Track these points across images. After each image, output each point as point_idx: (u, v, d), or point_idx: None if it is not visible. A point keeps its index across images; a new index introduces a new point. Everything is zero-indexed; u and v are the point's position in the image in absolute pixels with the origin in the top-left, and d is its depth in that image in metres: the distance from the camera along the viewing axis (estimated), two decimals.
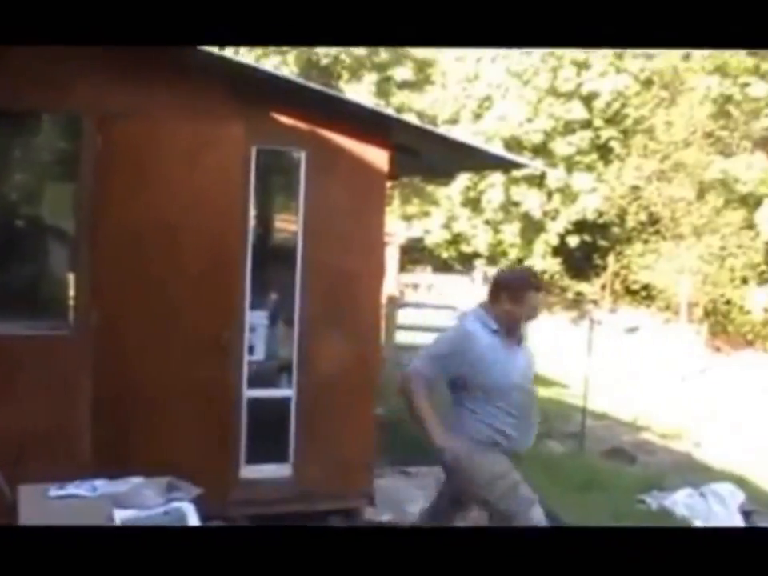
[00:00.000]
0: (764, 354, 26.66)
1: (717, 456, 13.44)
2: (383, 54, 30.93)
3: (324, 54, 30.43)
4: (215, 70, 6.39)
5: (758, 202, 28.13)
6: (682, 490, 8.95)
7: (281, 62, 29.32)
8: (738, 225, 28.37)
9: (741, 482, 10.16)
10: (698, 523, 8.12)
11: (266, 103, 6.69)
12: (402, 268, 21.91)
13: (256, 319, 7.12)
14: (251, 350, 7.02)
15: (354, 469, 7.23)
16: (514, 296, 5.01)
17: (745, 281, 28.62)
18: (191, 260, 6.33)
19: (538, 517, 5.04)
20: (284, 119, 6.75)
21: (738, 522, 8.35)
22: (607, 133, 30.42)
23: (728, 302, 28.52)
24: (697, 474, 10.78)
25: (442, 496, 5.47)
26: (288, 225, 7.89)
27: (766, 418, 17.96)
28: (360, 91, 29.35)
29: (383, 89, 31.50)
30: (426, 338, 15.81)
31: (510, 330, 5.09)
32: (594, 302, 29.41)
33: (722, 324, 28.90)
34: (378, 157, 7.06)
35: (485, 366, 4.94)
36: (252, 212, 6.87)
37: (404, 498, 7.87)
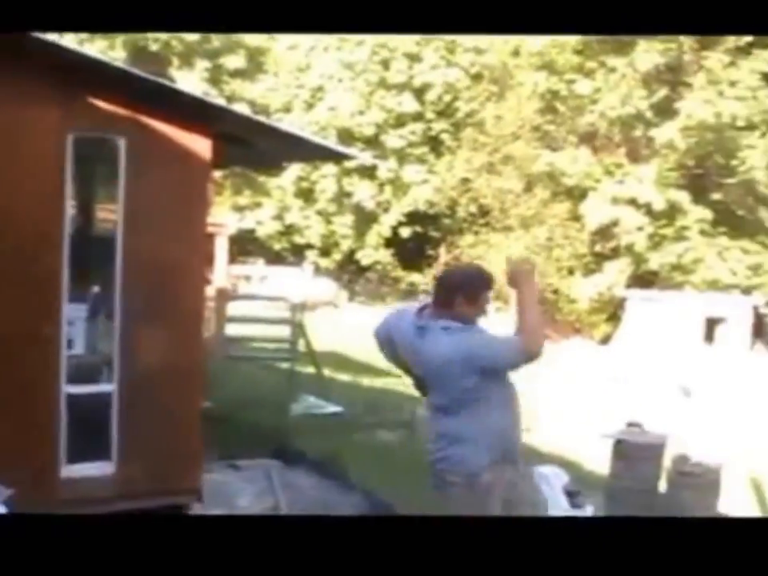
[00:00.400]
0: (590, 342, 27.55)
1: (545, 440, 13.81)
2: (215, 41, 30.53)
3: (154, 39, 29.78)
4: (31, 54, 6.11)
5: (583, 195, 29.03)
6: None
7: (108, 47, 28.56)
8: (564, 216, 29.24)
9: (566, 465, 10.44)
10: None
11: (86, 89, 6.44)
12: (234, 260, 21.70)
13: (75, 312, 6.85)
14: (70, 344, 6.75)
15: (180, 464, 7.06)
16: (469, 297, 4.76)
17: (571, 271, 29.52)
18: (4, 251, 6.06)
19: None
20: (105, 105, 6.52)
21: (563, 502, 8.57)
22: (438, 125, 30.88)
23: (555, 292, 29.35)
24: (526, 457, 10.98)
25: None
26: (110, 215, 7.64)
27: (592, 403, 18.55)
28: (192, 78, 28.88)
29: (215, 77, 31.09)
30: (257, 330, 15.75)
31: None
32: (427, 293, 29.77)
33: (550, 313, 29.69)
34: (201, 145, 6.90)
35: None
36: (70, 201, 6.62)
37: (233, 492, 7.76)
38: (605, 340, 28.62)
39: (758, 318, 27.41)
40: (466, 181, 29.92)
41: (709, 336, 25.80)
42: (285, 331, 14.40)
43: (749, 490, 13.07)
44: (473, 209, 30.18)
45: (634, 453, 6.37)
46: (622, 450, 6.42)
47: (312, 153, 10.41)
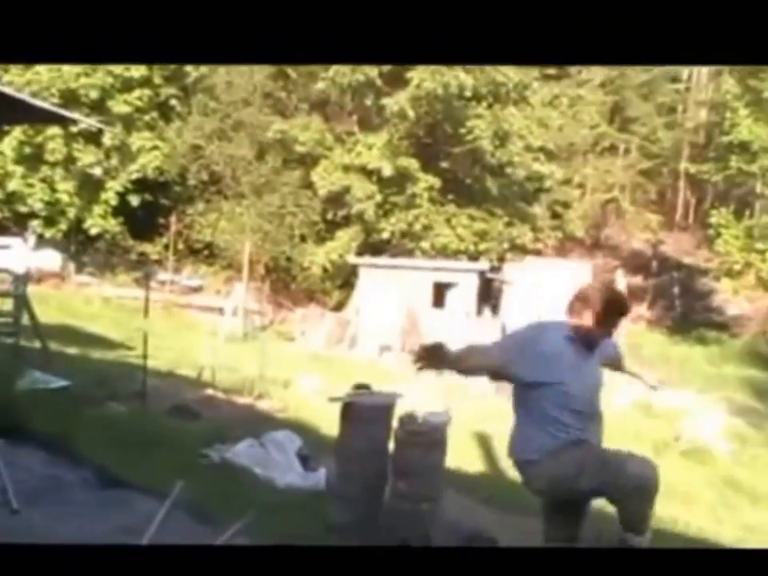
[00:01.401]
0: (324, 309, 27.96)
1: (278, 405, 13.98)
2: None
3: None
4: None
5: (315, 162, 29.28)
6: (243, 441, 9.14)
7: None
8: (296, 184, 29.41)
9: (299, 429, 10.59)
10: (258, 471, 8.33)
11: None
12: None
13: None
14: None
15: None
16: (598, 316, 4.83)
17: (304, 239, 29.75)
18: None
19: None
20: None
21: (296, 466, 8.68)
22: (167, 91, 30.14)
23: (289, 260, 29.52)
24: (259, 424, 11.07)
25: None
26: None
27: (328, 367, 18.91)
28: None
29: None
30: None
31: (585, 342, 4.92)
32: (158, 263, 29.24)
33: (283, 281, 29.89)
34: None
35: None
36: None
37: None
38: (338, 307, 29.11)
39: (485, 283, 28.71)
40: (196, 147, 29.52)
41: (438, 301, 26.76)
42: (7, 305, 13.81)
43: (474, 445, 13.73)
44: (204, 176, 29.83)
45: (363, 414, 6.49)
46: (351, 411, 6.52)
47: (33, 115, 9.96)
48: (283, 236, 29.11)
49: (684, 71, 42.86)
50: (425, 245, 29.50)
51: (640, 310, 35.39)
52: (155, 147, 29.10)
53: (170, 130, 29.79)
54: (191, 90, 30.33)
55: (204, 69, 29.61)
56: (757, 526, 11.30)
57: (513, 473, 12.07)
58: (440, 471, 6.50)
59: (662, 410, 21.10)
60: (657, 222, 40.78)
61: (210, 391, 13.85)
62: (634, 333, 31.39)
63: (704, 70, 42.73)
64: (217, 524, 6.07)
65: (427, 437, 6.20)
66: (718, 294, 36.46)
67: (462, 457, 11.71)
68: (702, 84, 44.26)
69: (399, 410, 6.60)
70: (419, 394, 15.89)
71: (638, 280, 36.92)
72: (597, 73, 38.81)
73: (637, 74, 39.99)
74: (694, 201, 43.55)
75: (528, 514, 8.52)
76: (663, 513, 10.88)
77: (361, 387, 6.84)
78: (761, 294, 35.80)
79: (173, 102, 30.25)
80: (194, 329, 21.19)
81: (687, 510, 11.48)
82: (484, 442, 13.82)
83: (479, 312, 27.81)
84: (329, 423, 9.76)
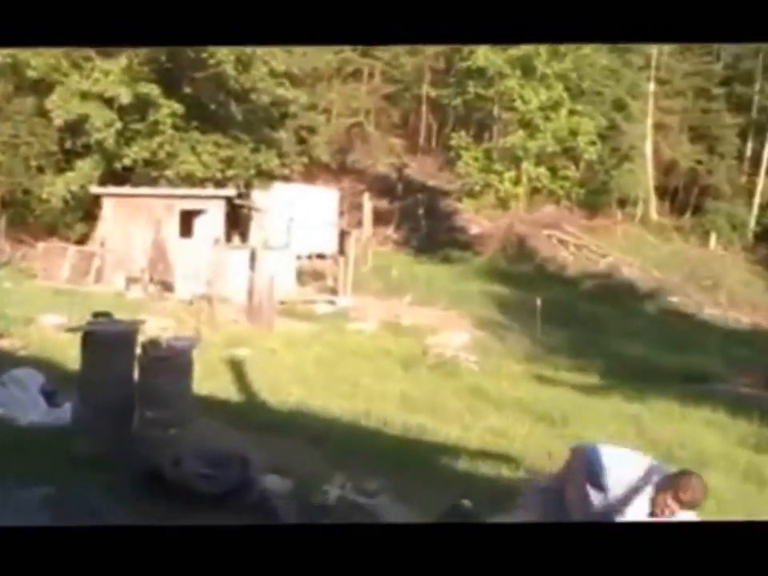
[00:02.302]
0: (65, 243, 27.02)
1: (19, 343, 13.51)
2: None
3: None
4: None
5: (49, 89, 27.91)
6: None
7: None
8: (30, 112, 28.05)
9: (43, 365, 10.25)
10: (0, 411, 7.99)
11: None
12: None
13: None
14: None
15: None
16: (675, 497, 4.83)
17: (41, 169, 28.49)
18: None
19: None
20: None
21: (41, 403, 8.37)
22: None
23: (26, 192, 28.22)
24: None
25: None
26: None
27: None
28: None
29: None
30: None
31: None
32: None
33: (21, 215, 28.58)
34: None
35: None
36: None
37: None
38: (82, 240, 28.17)
39: (233, 210, 28.51)
40: None
41: (186, 230, 26.38)
42: None
43: (226, 370, 13.72)
44: None
45: (103, 342, 6.29)
46: (91, 341, 6.31)
47: None
48: (18, 167, 27.77)
49: None
50: (170, 173, 28.86)
51: (387, 232, 36.16)
52: None
53: None
54: None
55: None
56: (501, 429, 11.84)
57: (263, 395, 12.21)
58: (188, 396, 6.43)
59: (409, 328, 21.75)
60: (401, 146, 41.64)
61: None
62: (381, 255, 32.13)
63: None
64: None
65: (172, 362, 6.10)
66: (461, 215, 37.74)
67: (213, 381, 11.69)
68: None
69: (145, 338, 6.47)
70: (167, 324, 15.69)
71: (384, 203, 37.64)
72: None
73: None
74: (436, 125, 44.64)
75: (277, 433, 8.63)
76: (411, 422, 11.26)
77: (100, 315, 6.63)
78: (500, 213, 37.32)
79: None
80: None
81: (435, 419, 11.89)
82: (235, 367, 13.83)
83: (228, 239, 27.64)
84: (74, 358, 9.50)
